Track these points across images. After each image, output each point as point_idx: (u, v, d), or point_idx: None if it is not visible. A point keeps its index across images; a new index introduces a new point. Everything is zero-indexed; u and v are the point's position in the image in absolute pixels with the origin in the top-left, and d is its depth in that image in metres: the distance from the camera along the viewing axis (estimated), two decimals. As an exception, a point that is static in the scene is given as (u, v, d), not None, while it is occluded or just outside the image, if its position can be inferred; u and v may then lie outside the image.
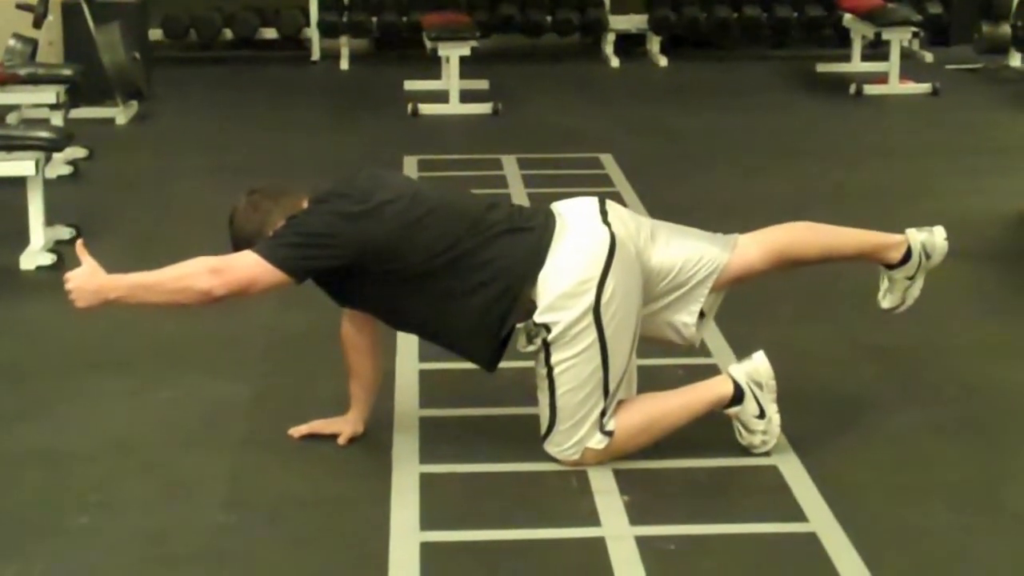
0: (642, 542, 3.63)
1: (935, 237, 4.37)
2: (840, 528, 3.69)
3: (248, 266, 3.88)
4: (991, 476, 4.06)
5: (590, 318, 3.92)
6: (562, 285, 3.92)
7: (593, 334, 3.92)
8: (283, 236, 3.91)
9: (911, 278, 4.37)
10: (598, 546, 3.63)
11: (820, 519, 3.75)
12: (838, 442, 4.25)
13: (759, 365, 4.12)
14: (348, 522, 3.80)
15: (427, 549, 3.62)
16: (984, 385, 4.70)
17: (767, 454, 4.10)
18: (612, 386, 3.98)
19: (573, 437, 3.99)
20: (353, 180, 4.05)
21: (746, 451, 4.11)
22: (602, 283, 3.93)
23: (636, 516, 3.78)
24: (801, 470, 4.03)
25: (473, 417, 4.42)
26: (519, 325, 3.96)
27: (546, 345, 3.94)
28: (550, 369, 3.95)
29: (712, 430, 4.18)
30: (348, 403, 4.25)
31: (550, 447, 4.04)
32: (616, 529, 3.72)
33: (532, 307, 3.94)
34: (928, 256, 4.36)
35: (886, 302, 4.43)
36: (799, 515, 3.79)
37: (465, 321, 3.99)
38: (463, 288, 3.95)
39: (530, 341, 3.95)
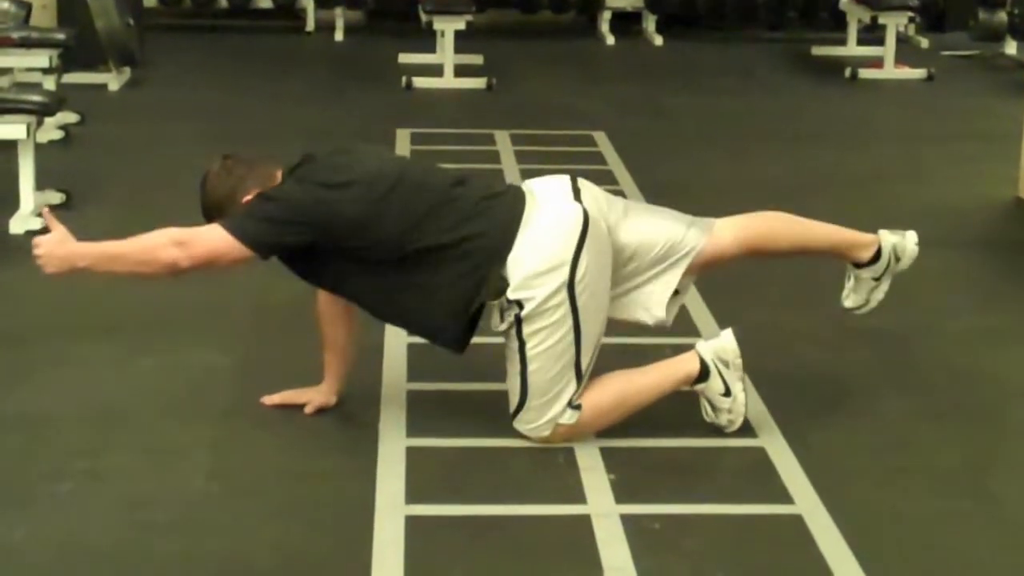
0: (627, 520, 3.62)
1: (907, 241, 4.33)
2: (825, 511, 3.68)
3: (213, 240, 3.87)
4: (977, 462, 4.06)
5: (564, 294, 3.89)
6: (536, 263, 3.90)
7: (566, 310, 3.90)
8: (251, 211, 3.90)
9: (877, 279, 4.34)
10: (583, 523, 3.62)
11: (806, 501, 3.75)
12: (825, 425, 4.25)
13: (726, 343, 4.10)
14: (333, 494, 3.79)
15: (412, 523, 3.60)
16: (973, 371, 4.69)
17: (753, 435, 4.10)
18: (584, 363, 3.97)
19: (545, 415, 3.97)
20: (324, 157, 4.03)
21: (733, 432, 4.10)
22: (576, 260, 3.91)
23: (621, 494, 3.77)
24: (788, 452, 4.02)
25: (461, 392, 4.41)
26: (492, 303, 3.94)
27: (519, 321, 3.91)
28: (522, 344, 3.92)
29: (698, 410, 4.17)
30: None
31: (520, 424, 4.02)
32: (601, 507, 3.71)
33: (504, 285, 3.91)
34: (897, 259, 4.32)
35: (849, 301, 4.39)
36: (785, 497, 3.79)
37: (432, 300, 3.96)
38: (430, 265, 3.92)
39: (503, 319, 3.93)
